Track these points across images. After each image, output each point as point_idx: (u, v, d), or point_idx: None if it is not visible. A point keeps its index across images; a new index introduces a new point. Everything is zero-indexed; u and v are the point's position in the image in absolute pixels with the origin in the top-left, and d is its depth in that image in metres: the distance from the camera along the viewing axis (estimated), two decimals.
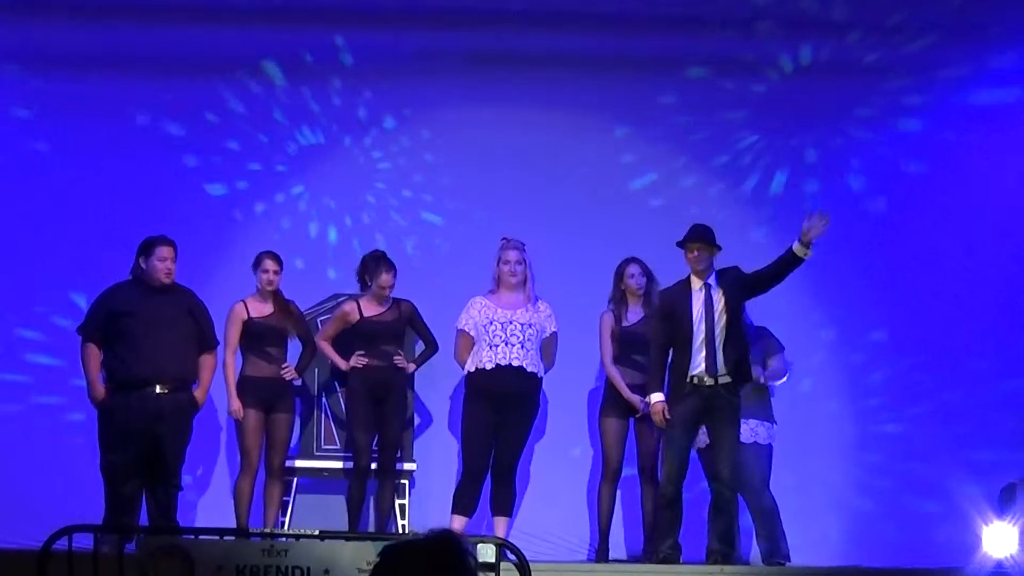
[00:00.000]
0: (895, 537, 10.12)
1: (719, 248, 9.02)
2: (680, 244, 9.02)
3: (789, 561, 9.24)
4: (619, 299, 9.64)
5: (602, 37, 10.53)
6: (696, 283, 9.02)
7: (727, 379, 8.89)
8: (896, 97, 10.71)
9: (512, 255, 9.47)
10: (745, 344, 9.03)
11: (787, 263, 8.78)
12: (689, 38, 10.64)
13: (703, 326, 8.91)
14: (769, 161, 10.70)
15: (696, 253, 8.98)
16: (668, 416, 8.90)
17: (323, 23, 10.53)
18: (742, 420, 9.19)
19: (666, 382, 9.08)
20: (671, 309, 9.04)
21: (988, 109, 10.70)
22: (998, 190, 10.66)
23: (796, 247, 8.72)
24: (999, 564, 9.03)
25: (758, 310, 9.50)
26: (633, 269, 9.60)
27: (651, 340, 9.20)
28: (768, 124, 10.69)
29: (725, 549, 8.96)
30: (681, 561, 9.04)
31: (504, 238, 9.55)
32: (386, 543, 3.55)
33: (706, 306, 8.94)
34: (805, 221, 8.71)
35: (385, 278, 9.53)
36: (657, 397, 8.98)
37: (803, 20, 10.69)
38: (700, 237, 9.00)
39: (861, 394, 10.50)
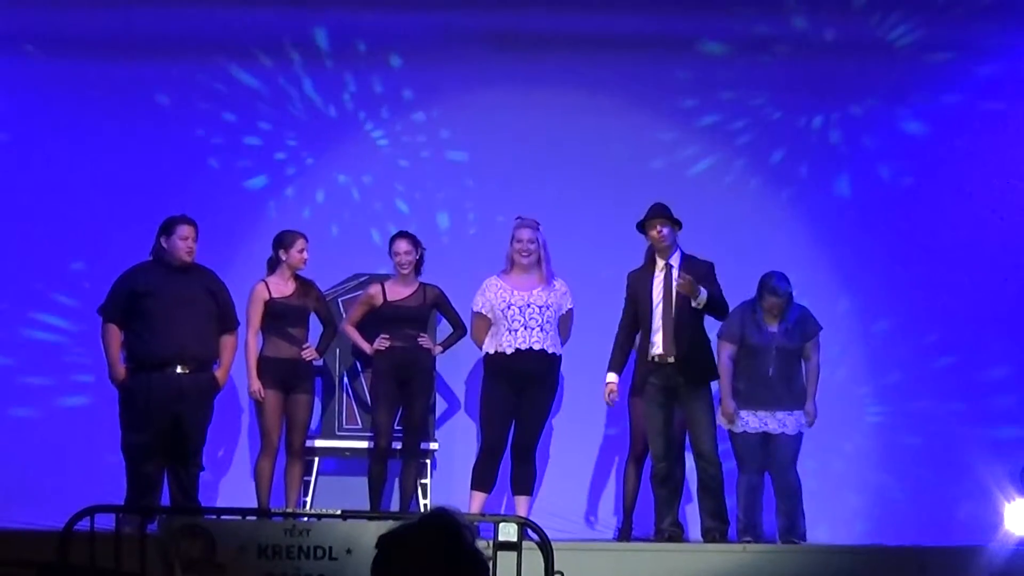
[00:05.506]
0: (916, 515, 10.11)
1: (679, 225, 9.04)
2: (640, 225, 9.04)
3: (805, 540, 9.25)
4: None
5: (622, 16, 10.50)
6: (659, 263, 9.06)
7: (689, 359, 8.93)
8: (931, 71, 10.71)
9: (525, 234, 9.42)
10: (701, 331, 9.04)
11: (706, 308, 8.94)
12: (708, 15, 10.61)
13: (661, 308, 8.94)
14: (789, 137, 10.67)
15: (660, 230, 8.98)
16: (614, 399, 9.12)
17: (342, 3, 10.53)
18: (784, 412, 9.28)
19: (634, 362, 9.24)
20: (634, 293, 9.10)
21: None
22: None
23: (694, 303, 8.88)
24: (1021, 541, 9.02)
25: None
26: None
27: (619, 323, 9.21)
28: (790, 101, 10.65)
29: (720, 525, 9.01)
30: (684, 539, 9.11)
31: (518, 217, 9.52)
32: (381, 533, 3.51)
33: (666, 286, 8.96)
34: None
35: (400, 244, 9.49)
36: (610, 378, 9.07)
37: None
38: (661, 214, 9.02)
39: (881, 372, 10.47)
